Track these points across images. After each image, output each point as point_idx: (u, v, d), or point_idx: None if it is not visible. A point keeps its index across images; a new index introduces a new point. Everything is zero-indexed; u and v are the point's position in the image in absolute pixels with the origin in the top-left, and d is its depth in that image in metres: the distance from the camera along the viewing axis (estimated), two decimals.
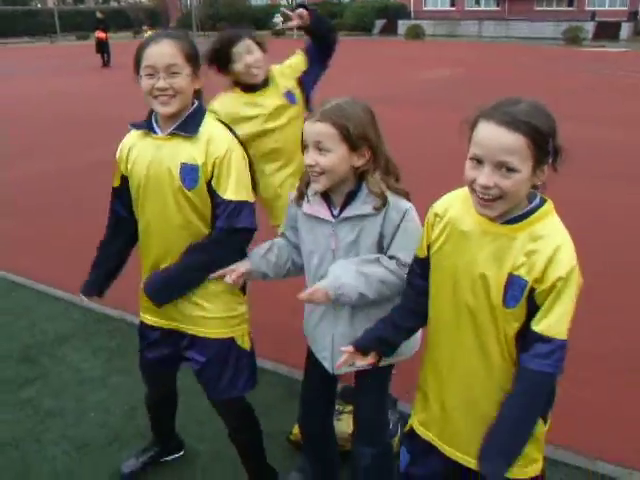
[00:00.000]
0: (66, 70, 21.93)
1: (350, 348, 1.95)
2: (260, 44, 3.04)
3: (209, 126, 2.20)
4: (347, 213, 2.11)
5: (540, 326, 1.62)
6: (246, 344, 2.42)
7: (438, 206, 1.84)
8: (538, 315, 1.63)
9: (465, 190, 1.73)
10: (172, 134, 2.17)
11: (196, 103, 2.23)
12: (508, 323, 1.68)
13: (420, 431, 1.98)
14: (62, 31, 44.79)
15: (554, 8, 37.87)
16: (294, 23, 3.12)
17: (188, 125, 2.17)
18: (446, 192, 1.87)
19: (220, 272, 2.23)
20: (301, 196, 2.21)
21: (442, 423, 1.90)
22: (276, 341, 3.68)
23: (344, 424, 2.81)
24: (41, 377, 3.59)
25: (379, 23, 39.57)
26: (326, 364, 2.32)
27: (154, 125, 2.22)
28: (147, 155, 2.21)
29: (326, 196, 2.16)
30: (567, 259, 1.60)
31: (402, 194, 2.12)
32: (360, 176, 2.11)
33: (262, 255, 2.31)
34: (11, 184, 7.70)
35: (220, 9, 46.94)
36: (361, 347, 1.94)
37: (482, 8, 40.50)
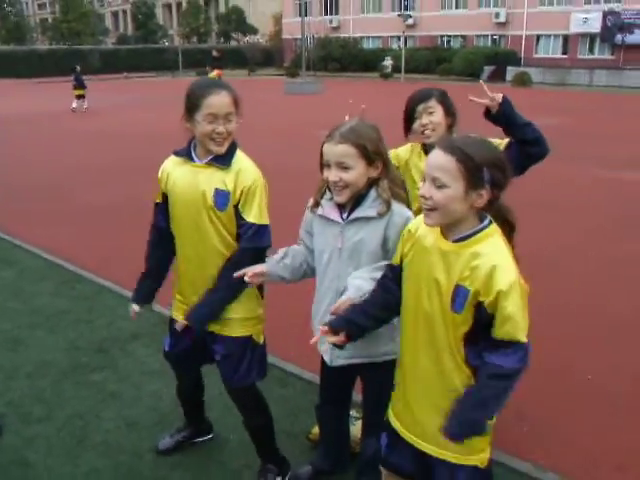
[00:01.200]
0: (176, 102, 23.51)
1: (324, 328, 2.22)
2: (448, 107, 3.01)
3: (240, 159, 2.63)
4: (354, 215, 2.46)
5: (500, 334, 1.92)
6: (260, 339, 2.83)
7: (412, 224, 2.18)
8: (495, 326, 1.92)
9: None
10: (209, 163, 2.58)
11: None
12: (456, 327, 1.98)
13: (392, 420, 2.28)
14: (184, 67, 48.05)
15: None
16: (482, 100, 2.91)
17: (224, 158, 2.58)
18: None
19: (240, 272, 2.55)
20: (316, 204, 2.58)
21: (406, 414, 2.20)
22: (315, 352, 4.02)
23: (358, 429, 3.10)
24: (110, 366, 4.13)
25: (488, 69, 39.55)
26: (326, 357, 2.68)
27: (193, 154, 2.63)
28: (186, 178, 2.62)
29: None
30: (506, 275, 1.89)
31: (403, 200, 2.47)
32: (370, 183, 2.46)
33: (278, 261, 2.65)
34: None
35: (333, 51, 48.65)
36: (333, 326, 2.22)
37: (596, 56, 39.64)
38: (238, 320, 2.72)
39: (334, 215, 2.51)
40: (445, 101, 3.03)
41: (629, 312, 5.02)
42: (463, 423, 1.99)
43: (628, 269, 6.02)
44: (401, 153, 3.20)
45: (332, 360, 2.64)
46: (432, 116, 2.98)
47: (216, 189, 2.56)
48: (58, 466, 3.13)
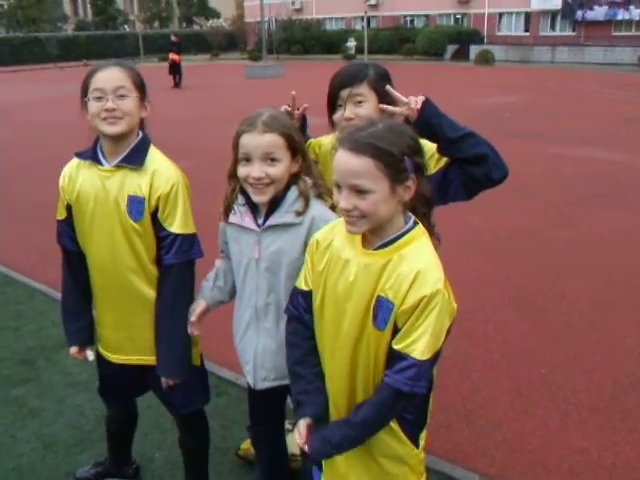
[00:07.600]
0: None
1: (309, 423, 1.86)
2: (381, 94, 2.23)
3: (155, 158, 2.25)
4: (271, 221, 2.16)
5: (399, 344, 1.64)
6: (197, 361, 2.52)
7: (320, 234, 1.87)
8: (400, 333, 1.65)
9: None
10: (118, 166, 2.21)
11: (141, 134, 2.27)
12: (380, 346, 1.70)
13: None
14: (146, 53, 46.91)
15: (633, 33, 36.61)
16: (396, 109, 2.19)
17: (134, 157, 2.21)
18: None
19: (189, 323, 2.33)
20: (227, 211, 2.26)
21: None
22: None
23: (293, 443, 2.86)
24: (34, 379, 3.83)
25: (451, 48, 39.42)
26: (249, 378, 2.38)
27: (100, 156, 2.24)
28: (94, 186, 2.23)
29: (252, 205, 2.19)
30: (431, 281, 1.61)
31: (327, 193, 2.15)
32: (289, 181, 2.15)
33: (211, 287, 2.38)
34: None
35: (295, 33, 47.97)
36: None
37: (557, 33, 39.65)
38: None
39: (248, 222, 2.21)
40: (381, 87, 2.24)
41: (586, 298, 4.86)
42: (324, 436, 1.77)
43: (585, 253, 5.87)
44: (324, 143, 2.55)
45: (255, 383, 2.36)
46: (360, 107, 2.25)
47: (129, 196, 2.19)
48: None
